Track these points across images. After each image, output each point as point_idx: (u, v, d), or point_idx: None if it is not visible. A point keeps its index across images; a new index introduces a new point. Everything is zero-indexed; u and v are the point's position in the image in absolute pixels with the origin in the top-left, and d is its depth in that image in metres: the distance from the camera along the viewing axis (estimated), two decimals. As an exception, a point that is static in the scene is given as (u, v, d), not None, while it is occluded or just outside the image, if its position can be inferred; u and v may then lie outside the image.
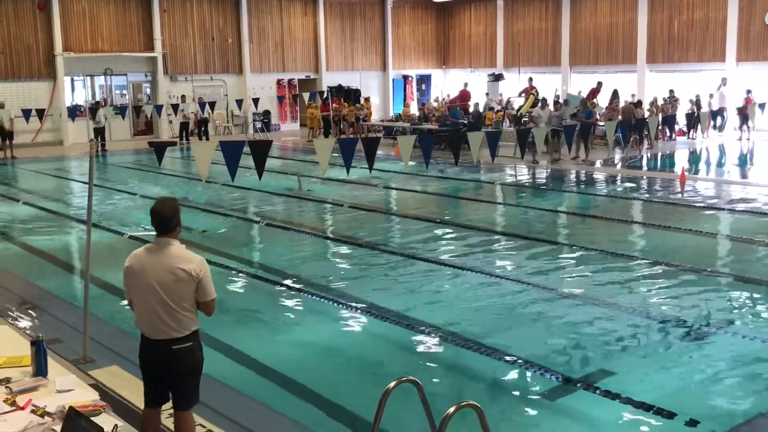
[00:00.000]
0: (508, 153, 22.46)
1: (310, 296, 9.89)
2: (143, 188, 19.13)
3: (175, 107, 28.74)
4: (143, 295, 5.00)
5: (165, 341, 4.96)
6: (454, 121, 25.77)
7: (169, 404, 5.20)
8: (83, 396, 4.78)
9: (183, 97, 30.41)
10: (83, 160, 24.63)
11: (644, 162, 22.79)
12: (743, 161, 23.14)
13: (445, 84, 38.54)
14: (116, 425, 4.40)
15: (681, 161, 22.33)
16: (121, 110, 28.60)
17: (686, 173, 18.70)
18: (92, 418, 4.10)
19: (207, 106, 28.98)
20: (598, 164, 22.12)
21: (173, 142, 27.87)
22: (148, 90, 32.76)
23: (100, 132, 27.26)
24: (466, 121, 25.99)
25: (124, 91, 32.82)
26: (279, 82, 34.91)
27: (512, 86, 33.51)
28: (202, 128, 30.12)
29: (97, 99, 30.98)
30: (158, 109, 28.10)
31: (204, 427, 5.83)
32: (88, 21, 30.03)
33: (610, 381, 6.93)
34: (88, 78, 31.48)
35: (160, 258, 4.98)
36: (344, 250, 12.51)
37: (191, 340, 5.00)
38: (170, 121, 30.89)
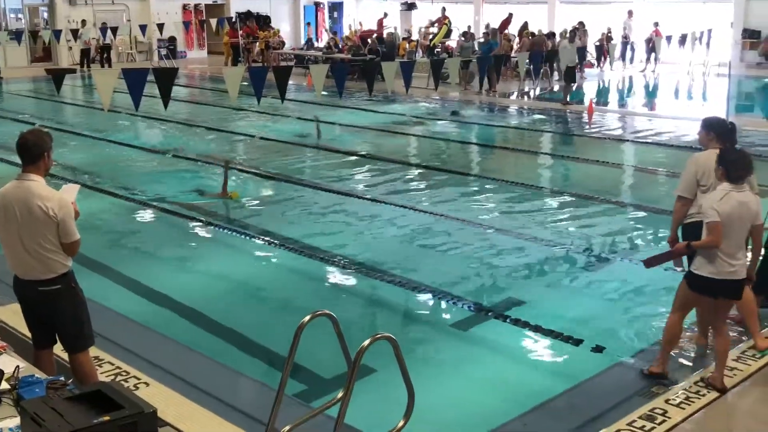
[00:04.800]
0: (420, 84, 22.41)
1: (218, 229, 9.72)
2: (42, 118, 18.30)
3: (74, 33, 27.42)
4: (8, 233, 4.82)
5: (32, 282, 4.82)
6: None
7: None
8: (-18, 337, 4.58)
9: (83, 22, 29.03)
10: (-24, 88, 23.36)
11: (554, 94, 23.11)
12: (649, 93, 23.74)
13: (358, 12, 37.89)
14: (18, 366, 4.24)
15: (589, 93, 22.72)
16: (16, 35, 27.12)
17: (594, 105, 19.06)
18: (-8, 360, 3.94)
19: (109, 31, 27.76)
20: (509, 96, 22.32)
21: (73, 70, 26.69)
22: (46, 14, 31.12)
23: (-6, 58, 25.84)
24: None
25: (20, 15, 31.06)
26: (185, 8, 33.60)
27: (425, 16, 33.20)
28: (104, 55, 28.99)
29: (-10, 23, 29.29)
30: (56, 34, 26.76)
31: (112, 364, 5.71)
32: (-24, -62, 28.12)
33: (520, 310, 7.09)
34: (-21, 0, 29.67)
35: (20, 195, 4.76)
36: (253, 182, 12.31)
37: (59, 283, 4.83)
38: (70, 48, 29.52)
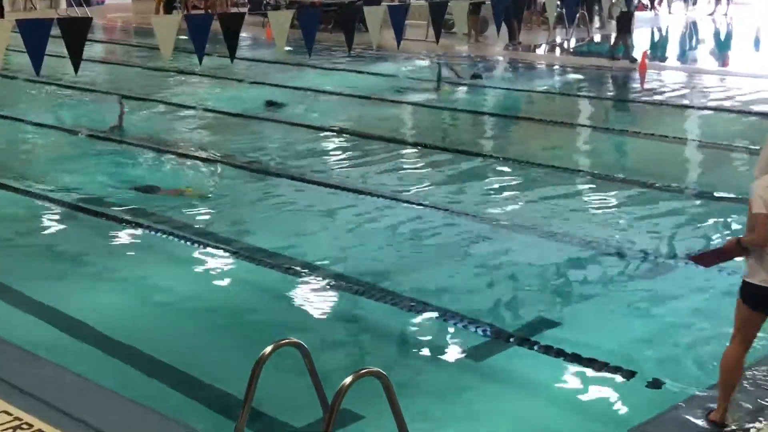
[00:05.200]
0: (417, 35, 22.43)
1: (153, 233, 9.71)
2: None
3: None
4: None
5: None
6: None
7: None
8: None
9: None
10: None
11: (595, 46, 23.16)
12: (720, 44, 23.81)
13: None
14: None
15: (641, 45, 22.77)
16: None
17: (647, 60, 19.11)
18: None
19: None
20: (535, 50, 22.34)
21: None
22: None
23: None
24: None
25: None
26: (101, -63, 33.60)
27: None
28: (-6, 2, 28.94)
29: None
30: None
31: (9, 414, 5.70)
32: None
33: (552, 333, 7.10)
34: None
35: None
36: (197, 169, 12.30)
37: None
38: (-54, -8, 29.46)
